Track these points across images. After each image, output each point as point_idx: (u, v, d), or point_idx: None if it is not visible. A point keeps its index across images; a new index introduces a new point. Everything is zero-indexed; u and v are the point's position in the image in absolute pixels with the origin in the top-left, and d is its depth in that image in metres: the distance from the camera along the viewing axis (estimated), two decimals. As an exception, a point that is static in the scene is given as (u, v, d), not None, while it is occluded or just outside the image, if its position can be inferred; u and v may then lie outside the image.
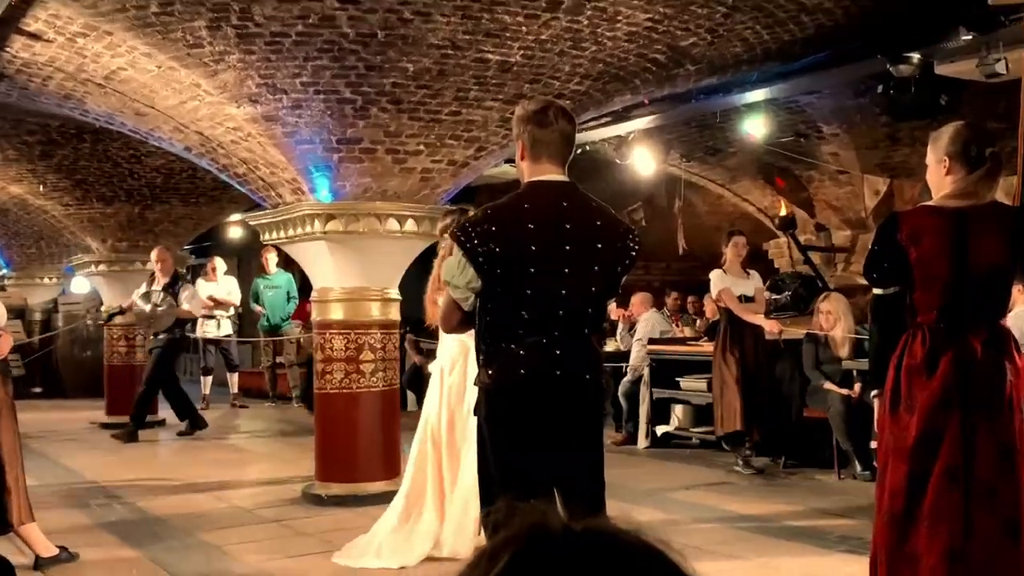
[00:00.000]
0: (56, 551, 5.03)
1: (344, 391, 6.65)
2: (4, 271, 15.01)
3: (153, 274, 9.92)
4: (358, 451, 6.65)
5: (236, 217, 13.91)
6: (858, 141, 9.06)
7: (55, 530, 5.42)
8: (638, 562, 0.64)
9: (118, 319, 10.85)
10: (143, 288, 9.90)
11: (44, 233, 13.36)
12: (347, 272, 6.69)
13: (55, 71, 6.46)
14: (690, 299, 11.68)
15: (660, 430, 8.79)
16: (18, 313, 13.81)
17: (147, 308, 9.68)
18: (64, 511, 6.39)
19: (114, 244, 11.08)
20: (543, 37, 5.74)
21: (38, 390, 14.32)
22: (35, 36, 5.91)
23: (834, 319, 7.36)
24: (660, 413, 8.84)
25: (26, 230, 13.45)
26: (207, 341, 12.34)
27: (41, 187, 10.60)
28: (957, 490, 3.29)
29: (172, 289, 9.70)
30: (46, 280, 15.10)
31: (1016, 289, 6.00)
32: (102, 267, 11.19)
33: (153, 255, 9.91)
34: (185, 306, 9.76)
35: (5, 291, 14.39)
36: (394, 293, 6.87)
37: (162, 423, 10.69)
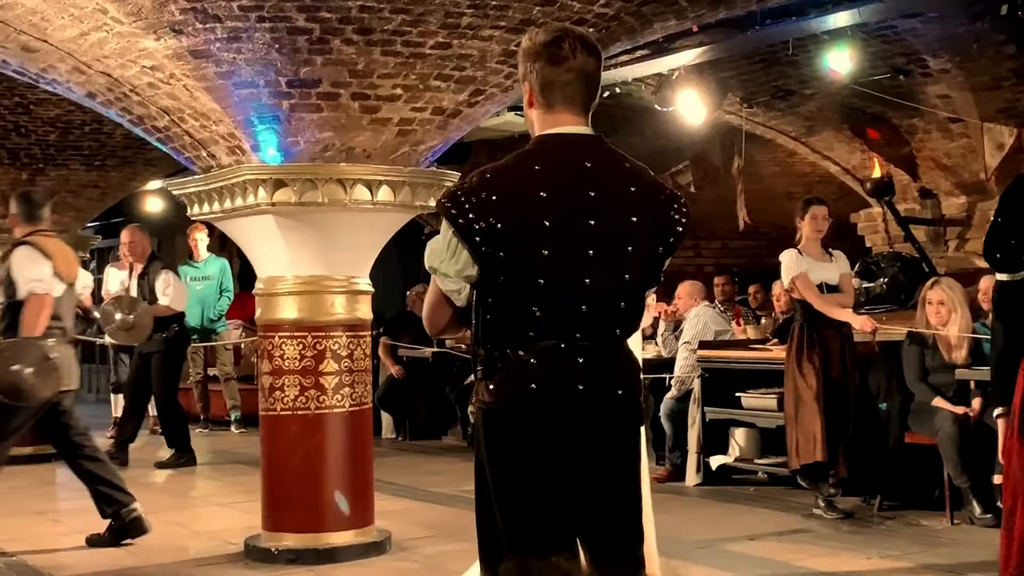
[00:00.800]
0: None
1: (299, 413, 6.65)
2: None
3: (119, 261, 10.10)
4: (319, 491, 6.65)
5: (155, 185, 13.95)
6: (975, 79, 9.03)
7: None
8: None
9: None
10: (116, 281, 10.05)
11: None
12: (302, 256, 6.69)
13: (-85, -6, 6.48)
14: (753, 289, 11.66)
15: (715, 462, 8.78)
16: None
17: (119, 316, 9.79)
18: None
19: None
20: (559, -56, 5.73)
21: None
22: None
23: (946, 313, 7.34)
24: (715, 440, 8.83)
25: None
26: (118, 348, 12.34)
27: None
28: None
29: (144, 279, 9.92)
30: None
31: None
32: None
33: (123, 236, 10.20)
34: (164, 300, 9.90)
35: None
36: (364, 284, 6.87)
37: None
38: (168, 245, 17.24)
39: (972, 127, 9.58)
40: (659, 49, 8.68)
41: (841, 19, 7.91)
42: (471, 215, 3.05)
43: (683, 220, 3.23)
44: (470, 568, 5.07)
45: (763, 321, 10.76)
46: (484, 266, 3.07)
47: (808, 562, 6.22)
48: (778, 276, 7.97)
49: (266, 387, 6.77)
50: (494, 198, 3.07)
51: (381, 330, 11.72)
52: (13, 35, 6.71)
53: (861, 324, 7.45)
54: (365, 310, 6.90)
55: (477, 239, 3.05)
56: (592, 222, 3.09)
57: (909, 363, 7.41)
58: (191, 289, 12.42)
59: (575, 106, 3.19)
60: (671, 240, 3.21)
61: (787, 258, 7.50)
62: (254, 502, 6.98)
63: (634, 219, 3.14)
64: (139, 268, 10.24)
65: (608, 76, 8.82)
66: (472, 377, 3.54)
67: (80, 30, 6.37)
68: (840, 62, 8.66)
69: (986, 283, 7.15)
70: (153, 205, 16.30)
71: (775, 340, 8.92)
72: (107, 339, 12.10)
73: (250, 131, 6.52)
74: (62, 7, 6.19)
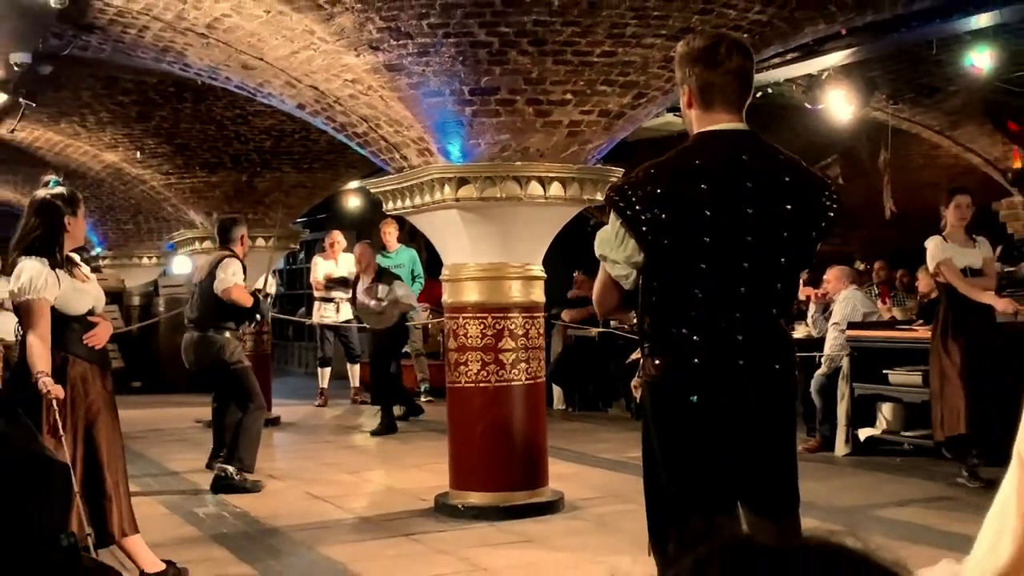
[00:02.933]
0: (163, 566, 5.26)
1: (481, 385, 6.74)
2: (98, 250, 15.72)
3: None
4: (499, 455, 6.73)
5: (354, 185, 14.27)
6: (1116, 72, 8.62)
7: (161, 543, 5.70)
8: None
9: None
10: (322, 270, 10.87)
11: (142, 207, 13.96)
12: (483, 246, 6.76)
13: (152, 20, 6.73)
14: (900, 273, 11.38)
15: (863, 434, 8.60)
16: (115, 297, 14.55)
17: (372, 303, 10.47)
18: (171, 521, 6.72)
19: (220, 217, 11.47)
20: (715, -42, 5.65)
21: (138, 384, 15.05)
22: (130, -18, 6.18)
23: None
24: (863, 413, 8.65)
25: (122, 203, 14.09)
26: (325, 328, 12.71)
27: (138, 153, 11.07)
28: None
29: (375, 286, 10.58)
30: (145, 260, 15.76)
31: None
32: (207, 244, 11.56)
33: (333, 235, 11.36)
34: (406, 299, 10.68)
35: (100, 273, 15.13)
36: (537, 270, 6.91)
37: (276, 422, 11.09)
38: (365, 237, 17.57)
39: (1113, 118, 9.16)
40: (809, 51, 8.51)
41: (983, 20, 7.64)
42: (637, 207, 3.05)
43: (834, 207, 3.18)
44: None
45: (909, 303, 10.49)
46: (650, 253, 3.07)
47: (953, 527, 6.04)
48: (923, 262, 7.74)
49: (452, 362, 6.87)
50: (658, 191, 3.06)
51: (553, 311, 11.77)
52: (235, 55, 6.94)
53: (1003, 306, 7.26)
54: (539, 293, 6.94)
55: (643, 228, 3.05)
56: (749, 210, 3.06)
57: (1051, 342, 7.14)
58: (385, 276, 12.72)
59: (731, 105, 3.17)
60: (823, 225, 3.17)
61: (932, 244, 7.31)
62: (442, 464, 7.11)
63: (788, 207, 3.10)
64: (368, 279, 10.63)
65: (761, 78, 8.68)
66: (636, 354, 3.53)
67: (291, 49, 6.55)
68: (982, 60, 8.39)
69: None
70: (353, 202, 16.68)
71: (920, 321, 8.71)
72: (315, 320, 12.56)
73: (437, 135, 6.60)
74: (276, 29, 6.38)
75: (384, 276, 10.65)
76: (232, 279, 7.79)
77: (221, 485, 7.51)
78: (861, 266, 11.97)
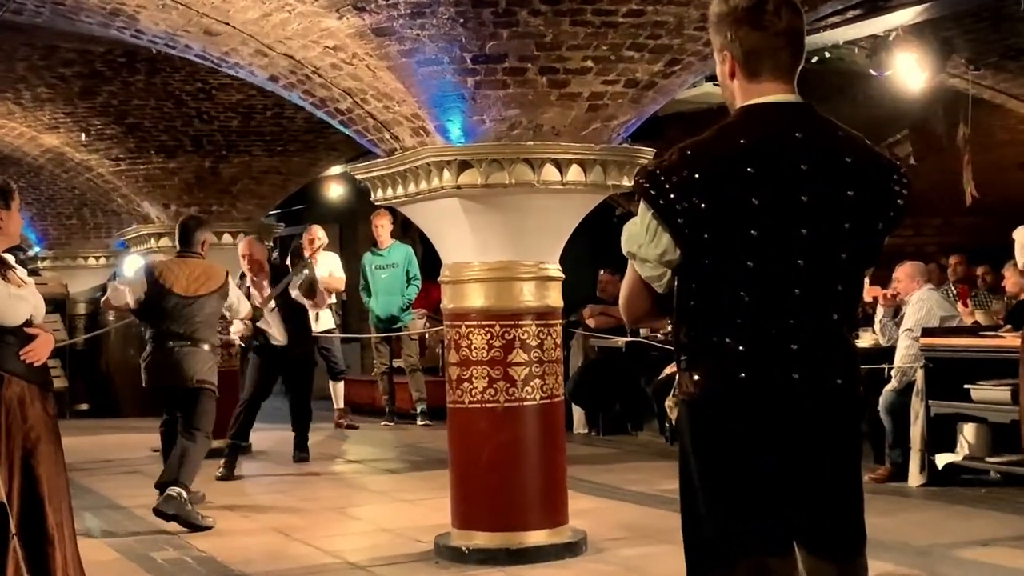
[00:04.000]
0: (115, 621, 5.29)
1: (488, 405, 6.73)
2: (36, 250, 15.76)
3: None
4: (510, 488, 6.72)
5: (337, 170, 14.29)
6: None
7: (113, 593, 5.71)
8: None
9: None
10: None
11: (88, 198, 13.99)
12: (489, 241, 6.76)
13: (98, -21, 6.75)
14: (982, 270, 11.35)
15: (942, 460, 8.58)
16: (57, 305, 14.56)
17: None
18: (125, 568, 6.72)
19: (179, 209, 11.49)
20: (761, -101, 5.64)
21: (84, 407, 15.12)
22: (72, -66, 6.20)
23: None
24: (942, 436, 8.63)
25: (64, 194, 14.13)
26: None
27: (83, 136, 11.09)
28: None
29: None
30: (91, 260, 15.80)
31: None
32: (164, 241, 11.61)
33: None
34: None
35: (40, 276, 15.18)
36: (554, 269, 6.91)
37: (247, 450, 11.09)
38: (350, 233, 17.61)
39: None
40: (874, 8, 8.50)
41: (1081, -32, 7.63)
42: (672, 195, 3.03)
43: (904, 193, 3.16)
44: None
45: (994, 305, 10.45)
46: (687, 250, 3.05)
47: (1048, 571, 6.05)
48: (1010, 256, 7.72)
49: (453, 379, 6.87)
50: (696, 176, 3.04)
51: (571, 318, 11.76)
52: (195, 18, 6.94)
53: (1107, 307, 7.23)
54: (555, 297, 6.93)
55: (679, 221, 3.03)
56: (804, 198, 3.05)
57: None
58: (376, 278, 12.70)
59: (781, 73, 3.15)
60: (892, 215, 3.15)
61: (1022, 235, 7.30)
62: (443, 499, 7.11)
63: (850, 193, 3.09)
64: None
65: (816, 40, 8.68)
66: (672, 368, 3.53)
67: (262, 11, 6.55)
68: (1080, 16, 8.37)
69: None
70: (335, 191, 16.71)
71: (1008, 326, 8.68)
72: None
73: (434, 111, 6.60)
74: (243, -12, 6.39)
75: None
76: (247, 304, 8.96)
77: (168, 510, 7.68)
78: (942, 262, 11.93)
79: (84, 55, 9.54)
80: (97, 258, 15.80)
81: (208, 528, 7.64)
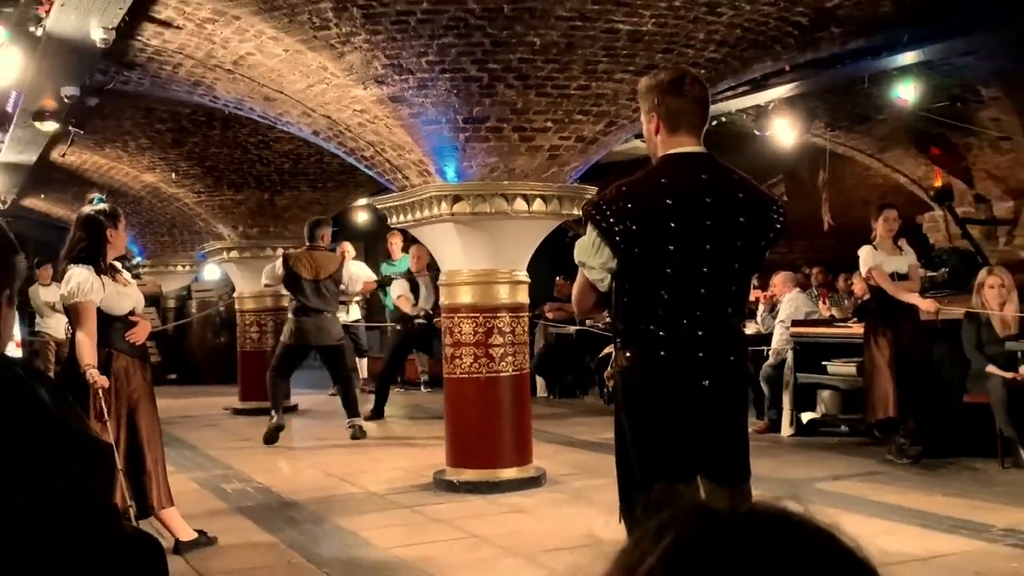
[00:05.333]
0: (195, 535, 5.26)
1: (474, 376, 6.73)
2: (138, 259, 15.67)
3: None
4: (489, 437, 6.73)
5: (363, 201, 14.25)
6: (1021, 104, 8.67)
7: (193, 514, 5.68)
8: (813, 544, 0.63)
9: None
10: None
11: (177, 221, 13.91)
12: (475, 254, 6.76)
13: (185, 58, 6.72)
14: (843, 277, 11.39)
15: (805, 417, 8.62)
16: (153, 301, 14.49)
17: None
18: (202, 496, 6.69)
19: (245, 231, 11.46)
20: (676, 3, 5.66)
21: (173, 376, 15.00)
22: (165, 23, 6.17)
23: (1005, 293, 7.06)
24: (805, 399, 8.66)
25: (159, 218, 14.04)
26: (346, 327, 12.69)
27: (173, 175, 11.04)
28: None
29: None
30: (179, 268, 15.71)
31: None
32: (233, 253, 11.54)
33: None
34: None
35: (140, 279, 15.10)
36: (522, 275, 6.91)
37: (294, 408, 11.06)
38: (372, 247, 17.58)
39: (1018, 143, 9.21)
40: (757, 85, 8.53)
41: (908, 58, 7.67)
42: (611, 220, 3.05)
43: (780, 220, 3.19)
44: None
45: (845, 303, 10.50)
46: (622, 260, 3.06)
47: (883, 498, 6.08)
48: (857, 267, 7.77)
49: (448, 356, 6.86)
50: (629, 206, 3.06)
51: (536, 312, 11.76)
52: (257, 88, 6.93)
53: (926, 306, 7.29)
54: (524, 296, 6.94)
55: (616, 238, 3.04)
56: (708, 223, 3.06)
57: (967, 337, 7.16)
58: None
59: (693, 130, 3.17)
60: (771, 236, 3.18)
61: (865, 252, 7.36)
62: (439, 445, 7.10)
63: (742, 219, 3.10)
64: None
65: (715, 108, 8.69)
66: (610, 348, 3.53)
67: (307, 83, 6.55)
68: (907, 93, 8.42)
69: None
70: (361, 217, 16.67)
71: (855, 319, 8.72)
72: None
73: (435, 158, 6.60)
74: (294, 66, 6.37)
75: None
76: (358, 284, 9.39)
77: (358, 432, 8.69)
78: (807, 271, 11.97)
79: (174, 115, 9.50)
80: (183, 266, 15.72)
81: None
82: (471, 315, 6.76)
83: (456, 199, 6.58)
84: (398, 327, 10.70)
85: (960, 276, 8.90)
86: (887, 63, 7.84)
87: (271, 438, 8.63)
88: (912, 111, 8.97)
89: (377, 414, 10.17)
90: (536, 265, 7.20)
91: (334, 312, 8.93)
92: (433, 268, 9.78)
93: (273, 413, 8.73)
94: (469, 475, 6.67)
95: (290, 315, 8.83)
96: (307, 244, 8.95)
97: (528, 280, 6.97)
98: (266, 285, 9.43)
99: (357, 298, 12.48)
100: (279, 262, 8.86)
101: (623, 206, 3.06)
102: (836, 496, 6.14)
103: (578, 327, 11.66)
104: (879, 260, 7.26)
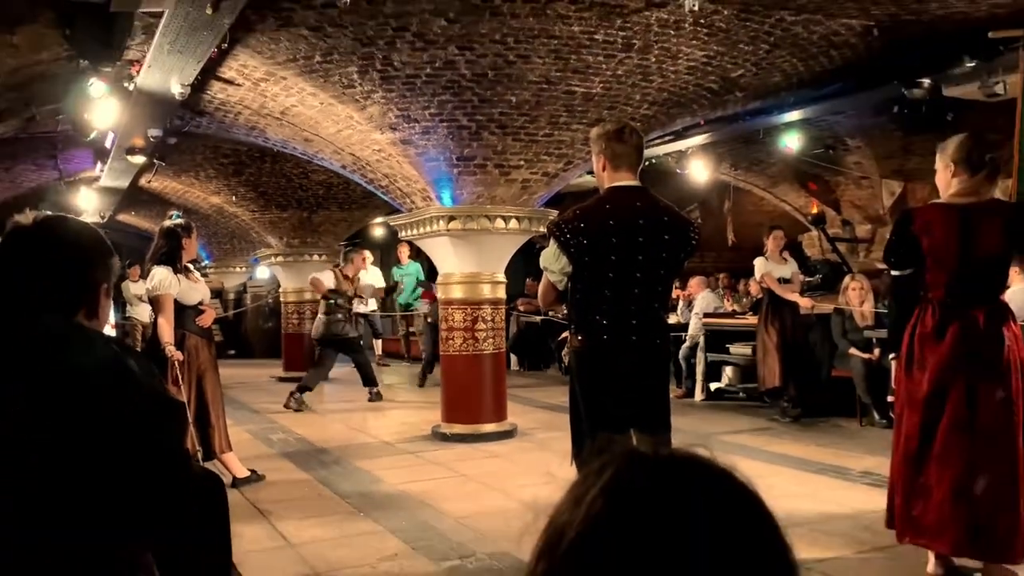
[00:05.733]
0: (248, 473, 5.23)
1: (463, 353, 6.72)
2: (206, 262, 15.56)
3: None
4: (475, 400, 6.72)
5: (379, 219, 14.18)
6: (877, 151, 8.75)
7: (247, 457, 5.65)
8: (715, 479, 0.64)
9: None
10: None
11: (236, 233, 13.82)
12: (465, 260, 6.75)
13: (243, 108, 6.68)
14: (740, 281, 11.46)
15: (713, 386, 8.66)
16: (216, 294, 14.37)
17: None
18: (254, 443, 6.66)
19: (288, 241, 11.39)
20: (619, 72, 5.68)
21: (232, 352, 14.88)
22: (228, 81, 6.13)
23: (863, 294, 7.13)
24: (713, 373, 8.70)
25: (222, 231, 13.94)
26: (358, 315, 12.60)
27: (233, 197, 10.96)
28: (964, 435, 3.17)
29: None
30: (237, 268, 15.60)
31: (1013, 271, 5.72)
32: (279, 258, 11.51)
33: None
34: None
35: (207, 277, 14.93)
36: (501, 277, 6.90)
37: (327, 378, 10.98)
38: (386, 255, 17.50)
39: (875, 181, 9.28)
40: (679, 135, 8.58)
41: (793, 116, 7.73)
42: (568, 235, 3.05)
43: (696, 238, 3.19)
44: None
45: (744, 301, 10.57)
46: (576, 266, 3.06)
47: (771, 447, 6.12)
48: (753, 274, 7.82)
49: (444, 338, 6.85)
50: (582, 225, 3.06)
51: (513, 304, 11.75)
52: (299, 132, 6.89)
53: (804, 303, 7.32)
54: (502, 292, 6.93)
55: (572, 250, 3.04)
56: (641, 239, 3.06)
57: (835, 326, 7.21)
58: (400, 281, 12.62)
59: (632, 169, 3.17)
60: (688, 249, 3.18)
61: (758, 262, 7.39)
62: (436, 406, 7.08)
63: (666, 237, 3.11)
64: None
65: (648, 152, 8.73)
66: (567, 333, 3.54)
67: (337, 128, 6.51)
68: (792, 142, 8.48)
69: (887, 278, 6.94)
70: (378, 231, 16.57)
71: (750, 312, 8.78)
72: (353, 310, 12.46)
73: (435, 187, 6.59)
74: (327, 115, 6.34)
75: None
76: (371, 290, 9.46)
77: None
78: (716, 276, 12.03)
79: (235, 151, 9.44)
80: (241, 267, 15.59)
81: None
82: (462, 307, 6.75)
83: (451, 218, 6.56)
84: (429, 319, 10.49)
85: (830, 281, 8.98)
86: (777, 119, 7.90)
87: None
88: (795, 156, 9.03)
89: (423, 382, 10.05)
90: (511, 269, 7.22)
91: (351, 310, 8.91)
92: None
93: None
94: (459, 428, 6.66)
95: (329, 311, 8.69)
96: (339, 263, 8.96)
97: (505, 280, 6.97)
98: (314, 285, 9.24)
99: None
100: (326, 271, 8.86)
101: (577, 225, 3.06)
102: (735, 446, 6.19)
103: (543, 317, 11.66)
104: (769, 268, 7.29)
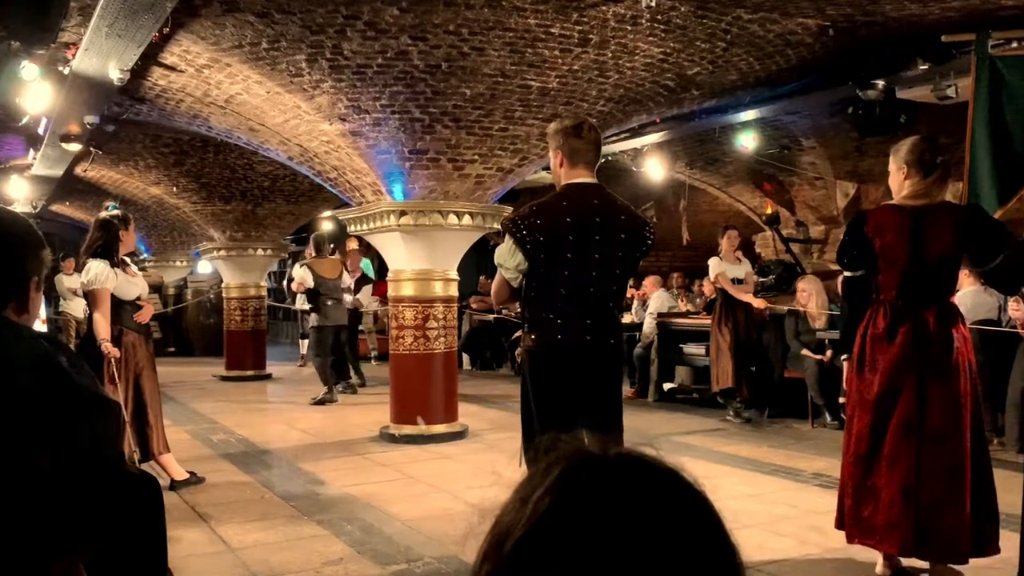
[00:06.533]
0: (187, 475, 5.14)
1: (414, 352, 6.70)
2: (145, 255, 15.22)
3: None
4: (425, 400, 6.70)
5: (327, 213, 14.03)
6: (831, 152, 8.92)
7: (186, 459, 5.55)
8: (662, 479, 0.65)
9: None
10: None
11: (176, 225, 13.56)
12: (416, 257, 6.72)
13: (186, 96, 6.55)
14: (699, 281, 11.58)
15: (667, 387, 8.75)
16: (156, 289, 14.07)
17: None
18: (193, 444, 6.54)
19: (231, 234, 11.21)
20: (575, 67, 5.71)
21: (172, 349, 14.61)
22: (170, 67, 6.00)
23: (809, 296, 7.27)
24: (666, 373, 8.80)
25: (162, 223, 13.66)
26: (303, 312, 12.46)
27: (174, 188, 10.75)
28: (912, 437, 3.26)
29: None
30: (178, 263, 15.30)
31: (962, 273, 5.90)
32: (222, 252, 11.32)
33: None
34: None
35: (146, 271, 14.59)
36: (453, 274, 6.89)
37: (269, 376, 10.87)
38: (332, 252, 17.32)
39: (829, 182, 9.46)
40: (635, 132, 8.64)
41: (749, 115, 7.83)
42: (524, 231, 3.04)
43: (651, 237, 3.21)
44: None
45: (698, 301, 10.70)
46: (531, 263, 3.05)
47: (723, 448, 6.21)
48: (707, 273, 7.91)
49: (394, 336, 6.81)
50: (538, 221, 3.05)
51: (465, 303, 11.73)
52: (244, 122, 6.78)
53: (758, 304, 7.43)
54: (454, 290, 6.91)
55: (528, 246, 3.03)
56: (597, 237, 3.07)
57: (789, 327, 7.34)
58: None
59: (589, 166, 3.16)
60: (644, 249, 3.19)
61: (713, 262, 7.46)
62: (385, 405, 7.04)
63: (622, 236, 3.11)
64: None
65: (605, 149, 8.76)
66: (520, 332, 3.53)
67: (284, 119, 6.43)
68: (748, 141, 8.59)
69: (839, 279, 7.10)
70: (326, 226, 16.37)
71: (705, 312, 8.88)
72: (297, 306, 12.32)
73: (386, 181, 6.55)
74: (273, 104, 6.25)
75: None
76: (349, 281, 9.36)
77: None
78: (671, 276, 12.15)
79: (176, 140, 9.25)
80: (181, 261, 15.27)
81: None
82: (412, 304, 6.72)
83: (402, 213, 6.53)
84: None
85: (784, 281, 9.14)
86: (733, 118, 8.00)
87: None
88: (751, 156, 9.17)
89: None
90: (464, 266, 7.20)
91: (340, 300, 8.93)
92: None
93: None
94: (408, 430, 6.63)
95: (320, 304, 8.70)
96: (315, 254, 8.89)
97: (458, 278, 6.95)
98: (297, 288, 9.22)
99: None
100: (303, 267, 8.82)
101: (533, 222, 3.06)
102: (687, 446, 6.26)
103: (495, 315, 11.67)
104: (723, 268, 7.39)
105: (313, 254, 8.95)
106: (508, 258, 3.10)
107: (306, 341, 12.63)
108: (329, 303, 8.71)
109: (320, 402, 8.55)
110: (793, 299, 7.51)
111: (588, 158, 3.15)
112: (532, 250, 3.03)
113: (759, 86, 6.72)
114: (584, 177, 3.16)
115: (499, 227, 3.54)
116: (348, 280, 9.27)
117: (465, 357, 12.29)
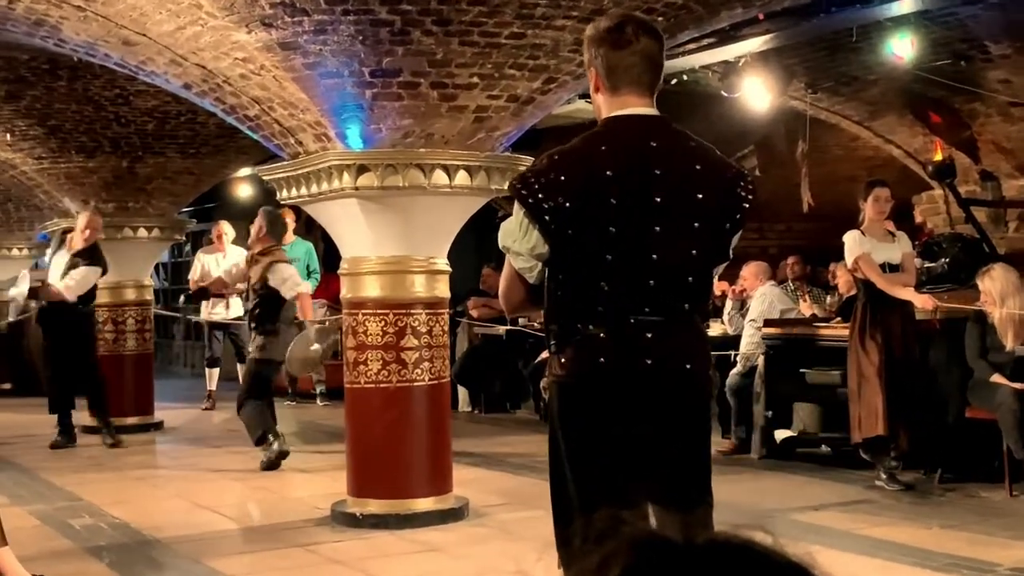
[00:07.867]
0: (34, 581, 5.18)
1: (382, 385, 6.71)
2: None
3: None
4: (400, 460, 6.71)
5: (246, 172, 14.10)
6: (1037, 64, 8.88)
7: (33, 556, 5.58)
8: None
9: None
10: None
11: (11, 194, 13.64)
12: (384, 238, 6.73)
13: (24, -8, 6.59)
14: (821, 269, 11.53)
15: (780, 436, 8.73)
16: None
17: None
18: (44, 533, 6.57)
19: (98, 206, 11.24)
20: (628, -63, 5.71)
21: (8, 386, 14.70)
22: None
23: (991, 304, 7.21)
24: (780, 414, 8.77)
25: (-11, 190, 13.78)
26: (213, 326, 12.53)
27: (7, 136, 10.80)
28: None
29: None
30: (15, 251, 15.40)
31: None
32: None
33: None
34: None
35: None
36: (442, 264, 6.90)
37: (159, 426, 10.94)
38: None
39: (1034, 110, 9.41)
40: (726, 37, 8.61)
41: (904, 6, 7.79)
42: (540, 195, 3.03)
43: (749, 197, 3.18)
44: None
45: (828, 300, 10.64)
46: (554, 244, 3.04)
47: (870, 531, 6.19)
48: (842, 257, 7.87)
49: (351, 361, 6.83)
50: (562, 178, 3.04)
51: (458, 309, 11.75)
52: (115, 30, 6.81)
53: (923, 303, 7.38)
54: (443, 289, 6.93)
55: (546, 218, 3.02)
56: (658, 199, 3.05)
57: (971, 340, 7.30)
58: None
59: (640, 88, 3.15)
60: (737, 216, 3.17)
61: (850, 239, 7.42)
62: (339, 470, 7.08)
63: (700, 196, 3.10)
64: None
65: (675, 64, 8.76)
66: (546, 353, 3.53)
67: (177, 24, 6.45)
68: (903, 48, 8.54)
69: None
70: (244, 191, 16.46)
71: (839, 318, 8.83)
72: (202, 317, 12.37)
73: (335, 119, 6.56)
74: (160, 3, 6.28)
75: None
76: None
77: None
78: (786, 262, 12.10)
79: (9, 61, 9.29)
80: (20, 249, 15.40)
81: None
82: (379, 312, 6.73)
83: (361, 170, 6.53)
84: None
85: (963, 268, 9.09)
86: (879, 12, 7.96)
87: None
88: (908, 70, 9.12)
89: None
90: (459, 252, 7.20)
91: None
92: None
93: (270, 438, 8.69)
94: (375, 507, 6.64)
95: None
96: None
97: (449, 270, 6.96)
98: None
99: (241, 287, 12.29)
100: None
101: (554, 178, 3.05)
102: (814, 528, 6.23)
103: (508, 327, 11.67)
104: (868, 248, 7.35)
105: (268, 240, 9.03)
106: (519, 238, 3.10)
107: (216, 371, 12.71)
108: (284, 326, 8.84)
109: (272, 464, 8.54)
110: (979, 297, 7.47)
111: (635, 77, 3.15)
112: (553, 223, 3.03)
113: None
114: (635, 106, 3.16)
115: (508, 190, 3.54)
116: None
117: (462, 392, 12.31)
